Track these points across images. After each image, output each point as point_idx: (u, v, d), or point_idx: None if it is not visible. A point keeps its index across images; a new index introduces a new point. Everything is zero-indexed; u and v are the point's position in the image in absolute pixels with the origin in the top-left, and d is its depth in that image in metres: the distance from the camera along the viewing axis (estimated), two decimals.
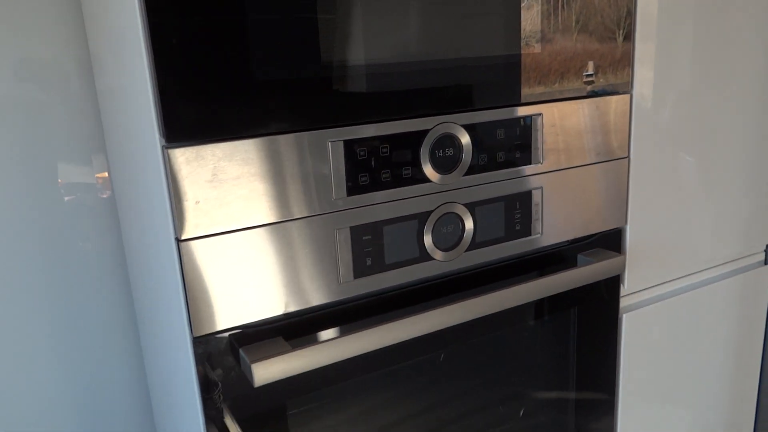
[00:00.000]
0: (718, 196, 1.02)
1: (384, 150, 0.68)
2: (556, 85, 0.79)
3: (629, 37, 0.84)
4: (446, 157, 0.73)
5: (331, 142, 0.65)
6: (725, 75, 0.98)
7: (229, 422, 0.66)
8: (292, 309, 0.67)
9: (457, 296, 0.77)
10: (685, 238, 1.00)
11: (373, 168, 0.68)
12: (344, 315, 0.72)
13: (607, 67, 0.83)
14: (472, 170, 0.75)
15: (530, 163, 0.79)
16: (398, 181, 0.70)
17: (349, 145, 0.66)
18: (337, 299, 0.70)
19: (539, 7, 0.75)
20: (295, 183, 0.64)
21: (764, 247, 1.14)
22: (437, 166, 0.72)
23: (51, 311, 0.95)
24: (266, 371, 0.62)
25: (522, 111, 0.77)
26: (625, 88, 0.86)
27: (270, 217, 0.64)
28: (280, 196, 0.64)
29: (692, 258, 1.03)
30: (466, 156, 0.74)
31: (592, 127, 0.84)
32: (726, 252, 1.07)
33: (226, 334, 0.65)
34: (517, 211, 0.80)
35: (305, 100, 0.63)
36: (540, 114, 0.79)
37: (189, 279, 0.61)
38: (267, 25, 0.60)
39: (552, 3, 0.76)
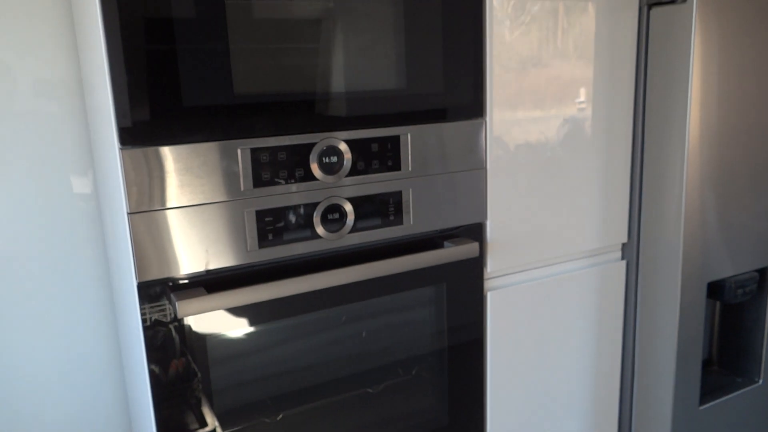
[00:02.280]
0: (569, 201, 1.29)
1: (281, 155, 0.96)
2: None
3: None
4: (331, 163, 1.00)
5: (241, 149, 0.93)
6: (570, 109, 1.25)
7: (169, 341, 0.93)
8: (212, 267, 0.94)
9: (337, 265, 1.04)
10: (542, 233, 1.27)
11: (272, 168, 0.96)
12: (250, 275, 0.99)
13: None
14: (352, 173, 1.02)
15: (399, 170, 1.07)
16: (293, 179, 0.98)
17: (254, 151, 0.94)
18: (245, 263, 0.97)
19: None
20: (217, 176, 0.92)
21: (620, 246, 1.40)
22: (324, 170, 1.00)
23: (43, 300, 1.22)
24: (188, 307, 0.89)
25: (392, 131, 1.05)
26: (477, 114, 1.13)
27: (197, 200, 0.91)
28: (204, 185, 0.91)
29: (551, 249, 1.29)
30: (347, 163, 1.01)
31: (453, 144, 1.11)
32: (585, 247, 1.34)
33: (159, 283, 0.92)
34: (390, 206, 1.07)
35: (222, 119, 0.91)
36: (407, 134, 1.06)
37: (135, 240, 0.88)
38: (194, 60, 0.87)
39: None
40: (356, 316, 1.11)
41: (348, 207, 1.03)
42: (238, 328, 0.99)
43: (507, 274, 1.26)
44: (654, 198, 1.33)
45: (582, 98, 1.25)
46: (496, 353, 1.27)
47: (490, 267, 1.22)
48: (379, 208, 1.06)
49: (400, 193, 1.08)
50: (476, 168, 1.15)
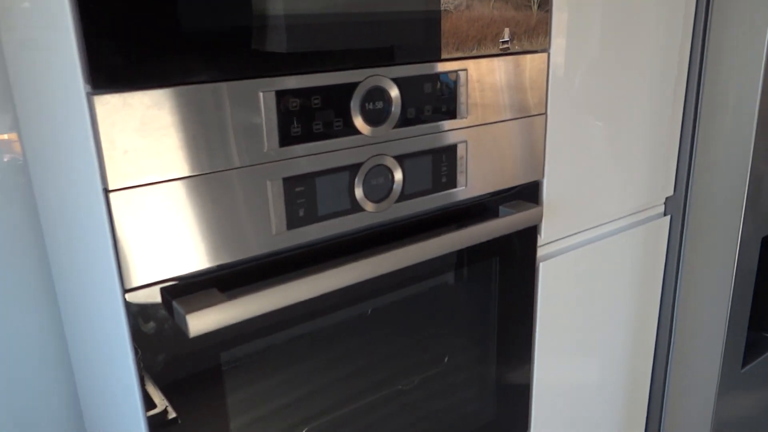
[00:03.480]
0: (623, 153, 1.10)
1: (315, 101, 0.69)
2: (474, 51, 0.81)
3: (543, 6, 0.87)
4: (376, 110, 0.74)
5: (263, 93, 0.65)
6: (630, 43, 1.04)
7: (162, 379, 0.66)
8: (225, 260, 0.67)
9: (386, 247, 0.80)
10: (595, 192, 1.07)
11: (304, 119, 0.69)
12: (278, 266, 0.72)
13: (522, 34, 0.86)
14: (401, 123, 0.77)
15: (455, 117, 0.82)
16: (330, 133, 0.71)
17: (281, 96, 0.66)
18: (270, 250, 0.70)
19: None
20: (227, 133, 0.64)
21: (663, 200, 1.23)
22: (368, 119, 0.74)
23: None
24: (201, 321, 0.62)
25: (448, 66, 0.79)
26: (542, 49, 0.90)
27: (202, 167, 0.63)
28: (212, 147, 0.63)
29: (601, 209, 1.10)
30: (396, 109, 0.76)
31: (512, 83, 0.87)
32: (631, 204, 1.16)
33: (158, 288, 0.64)
34: (444, 164, 0.83)
35: (236, 50, 0.62)
36: (465, 69, 0.81)
37: (119, 230, 0.60)
38: None
39: None
40: (390, 304, 0.87)
41: (396, 168, 0.78)
42: (260, 337, 0.74)
43: (556, 240, 1.06)
44: (711, 143, 1.16)
45: (638, 27, 1.04)
46: (544, 333, 1.08)
47: (544, 234, 1.01)
48: (432, 168, 0.82)
49: (455, 147, 0.83)
50: (537, 113, 0.92)
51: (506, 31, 0.84)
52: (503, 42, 0.84)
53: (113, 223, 0.59)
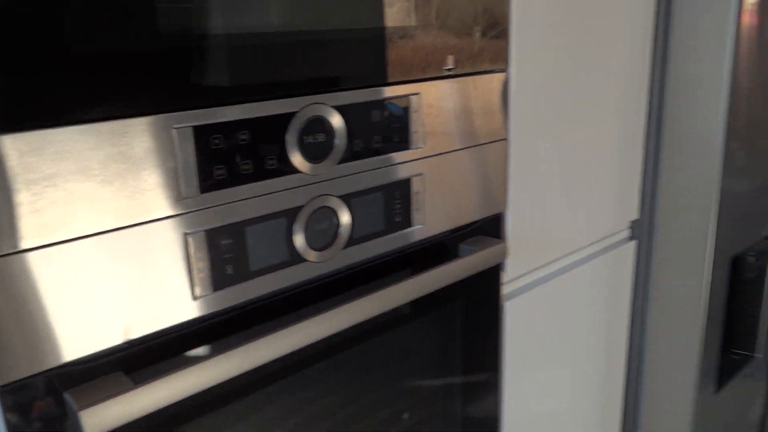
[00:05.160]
0: (587, 178, 1.02)
1: (243, 137, 0.57)
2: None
3: (487, 32, 0.78)
4: (317, 143, 0.63)
5: (177, 129, 0.53)
6: (592, 67, 0.97)
7: None
8: (135, 336, 0.55)
9: (334, 301, 0.68)
10: (560, 221, 0.99)
11: (230, 159, 0.57)
12: (202, 335, 0.60)
13: (466, 61, 0.76)
14: (346, 158, 0.66)
15: (409, 148, 0.72)
16: (262, 174, 0.60)
17: (201, 132, 0.55)
18: (192, 317, 0.58)
19: (401, 3, 0.67)
20: (134, 180, 0.52)
21: (629, 224, 1.17)
22: (307, 155, 0.62)
23: None
24: (99, 419, 0.49)
25: (398, 90, 0.69)
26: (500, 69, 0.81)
27: (105, 224, 0.51)
28: (117, 197, 0.51)
29: (567, 239, 1.02)
30: (340, 142, 0.65)
31: (469, 108, 0.78)
32: (597, 230, 1.08)
33: (44, 378, 0.51)
34: (397, 201, 0.72)
35: (142, 79, 0.50)
36: (417, 93, 0.71)
37: None
38: None
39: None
40: (340, 362, 0.76)
41: (342, 209, 0.67)
42: (187, 421, 0.61)
43: (521, 276, 0.97)
44: (677, 164, 1.09)
45: (601, 48, 0.97)
46: (512, 376, 0.98)
47: (509, 270, 0.92)
48: (384, 207, 0.71)
49: (409, 181, 0.73)
50: (497, 139, 0.83)
51: (450, 58, 0.74)
52: (447, 69, 0.75)
53: None
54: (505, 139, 0.84)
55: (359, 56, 0.65)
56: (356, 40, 0.64)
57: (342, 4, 0.62)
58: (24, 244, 0.47)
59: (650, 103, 1.10)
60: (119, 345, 0.54)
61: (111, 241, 0.51)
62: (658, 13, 1.06)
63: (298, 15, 0.59)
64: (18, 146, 0.46)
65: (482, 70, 0.78)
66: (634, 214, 1.15)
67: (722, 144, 1.03)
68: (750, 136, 1.11)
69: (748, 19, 1.02)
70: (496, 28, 0.79)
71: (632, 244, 1.17)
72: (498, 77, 0.81)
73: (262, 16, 0.57)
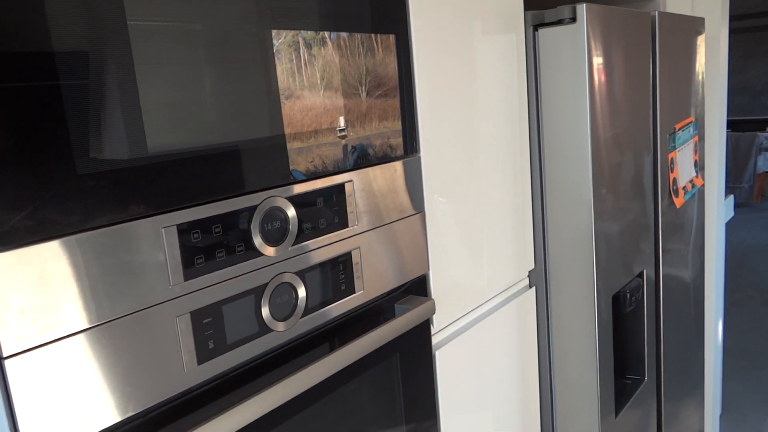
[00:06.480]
0: (490, 237, 1.20)
1: (217, 230, 0.68)
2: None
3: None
4: (275, 229, 0.75)
5: (165, 229, 0.63)
6: (483, 142, 1.16)
7: None
8: (134, 411, 0.62)
9: (296, 363, 0.79)
10: (471, 275, 1.15)
11: (207, 249, 0.67)
12: (189, 405, 0.68)
13: (355, 120, 0.87)
14: (299, 239, 0.78)
15: (347, 226, 0.85)
16: (233, 259, 0.70)
17: (182, 229, 0.65)
18: (181, 390, 0.66)
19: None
20: (129, 275, 0.61)
21: (527, 273, 1.35)
22: (267, 239, 0.74)
23: None
24: None
25: (336, 179, 0.83)
26: (399, 152, 0.97)
27: (106, 315, 0.59)
28: (115, 291, 0.60)
29: (480, 290, 1.18)
30: (293, 226, 0.77)
31: (392, 187, 0.93)
32: (502, 281, 1.25)
33: None
34: (341, 272, 0.85)
35: (133, 188, 0.61)
36: (351, 180, 0.85)
37: (16, 401, 0.53)
38: (84, 114, 0.57)
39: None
40: (297, 420, 0.85)
41: (298, 283, 0.78)
42: None
43: (445, 327, 1.11)
44: (559, 215, 1.30)
45: (485, 124, 1.17)
46: (446, 415, 1.10)
47: (436, 323, 1.06)
48: (331, 279, 0.83)
49: (350, 254, 0.86)
50: (417, 211, 0.98)
51: (341, 119, 0.85)
52: (340, 130, 0.85)
53: (9, 394, 0.53)
54: (422, 211, 1.00)
55: (263, 136, 0.78)
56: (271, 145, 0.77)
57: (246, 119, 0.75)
58: (42, 339, 0.55)
59: (532, 166, 1.31)
60: (119, 422, 0.62)
61: (113, 328, 0.60)
62: (528, 79, 1.29)
63: (231, 131, 0.72)
64: (43, 254, 0.54)
65: (370, 130, 0.92)
66: (531, 264, 1.34)
67: (591, 189, 1.25)
68: (612, 180, 1.34)
69: (597, 77, 1.26)
70: (382, 87, 0.91)
71: (532, 290, 1.35)
72: (413, 160, 0.97)
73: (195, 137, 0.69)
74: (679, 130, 1.78)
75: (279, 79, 0.75)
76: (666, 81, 1.61)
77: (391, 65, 0.92)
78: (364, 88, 0.87)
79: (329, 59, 0.81)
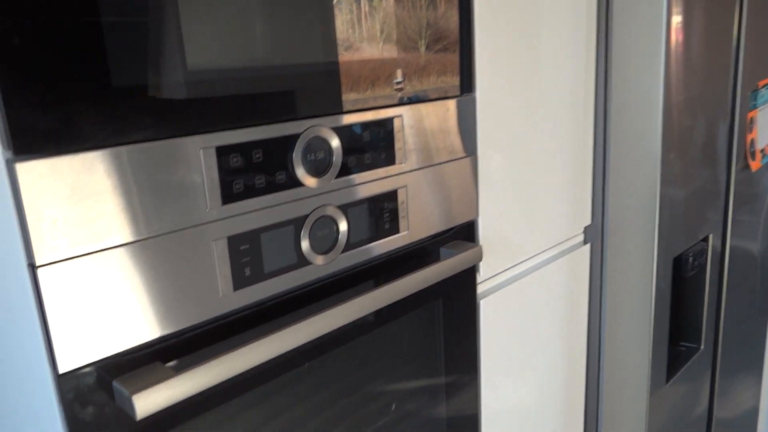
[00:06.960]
0: (545, 188, 1.14)
1: (257, 156, 0.66)
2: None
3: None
4: (318, 160, 0.72)
5: (203, 149, 0.61)
6: (542, 84, 1.09)
7: None
8: (169, 330, 0.62)
9: (336, 300, 0.77)
10: (523, 226, 1.10)
11: (247, 175, 0.65)
12: (225, 330, 0.68)
13: (413, 75, 0.84)
14: (342, 172, 0.75)
15: (394, 163, 0.82)
16: (273, 187, 0.68)
17: (222, 152, 0.63)
18: (216, 315, 0.66)
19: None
20: (166, 195, 0.59)
21: (582, 229, 1.29)
22: (310, 170, 0.71)
23: None
24: (149, 401, 0.56)
25: (383, 113, 0.79)
26: (454, 92, 0.91)
27: (140, 233, 0.58)
28: (150, 210, 0.59)
29: (529, 243, 1.13)
30: (337, 159, 0.74)
31: (443, 127, 0.88)
32: (555, 235, 1.20)
33: (93, 368, 0.58)
34: (386, 210, 0.82)
35: (170, 106, 0.58)
36: (400, 116, 0.81)
37: (49, 310, 0.53)
38: (123, 26, 0.54)
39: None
40: (336, 357, 0.84)
41: (340, 218, 0.76)
42: (207, 409, 0.68)
43: (492, 277, 1.07)
44: (622, 173, 1.23)
45: (547, 70, 1.09)
46: (487, 366, 1.08)
47: (482, 271, 1.02)
48: (375, 216, 0.80)
49: (395, 193, 0.83)
50: (469, 155, 0.94)
51: (399, 72, 0.83)
52: (397, 83, 0.82)
53: (42, 302, 0.53)
54: (474, 154, 0.95)
55: (319, 79, 0.74)
56: (317, 68, 0.74)
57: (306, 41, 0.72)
58: (74, 252, 0.54)
59: (596, 121, 1.23)
60: (154, 339, 0.61)
61: (148, 247, 0.59)
62: (598, 32, 1.20)
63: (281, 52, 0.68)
64: (75, 166, 0.53)
65: (428, 84, 0.88)
66: (587, 220, 1.28)
67: (660, 154, 1.17)
68: (683, 146, 1.25)
69: (675, 38, 1.16)
70: (441, 42, 0.87)
71: (587, 247, 1.29)
72: (467, 99, 0.92)
73: (260, 54, 0.66)
74: (762, 87, 1.64)
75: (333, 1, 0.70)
76: (752, 33, 1.47)
77: (452, 13, 0.86)
78: (423, 41, 0.82)
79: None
